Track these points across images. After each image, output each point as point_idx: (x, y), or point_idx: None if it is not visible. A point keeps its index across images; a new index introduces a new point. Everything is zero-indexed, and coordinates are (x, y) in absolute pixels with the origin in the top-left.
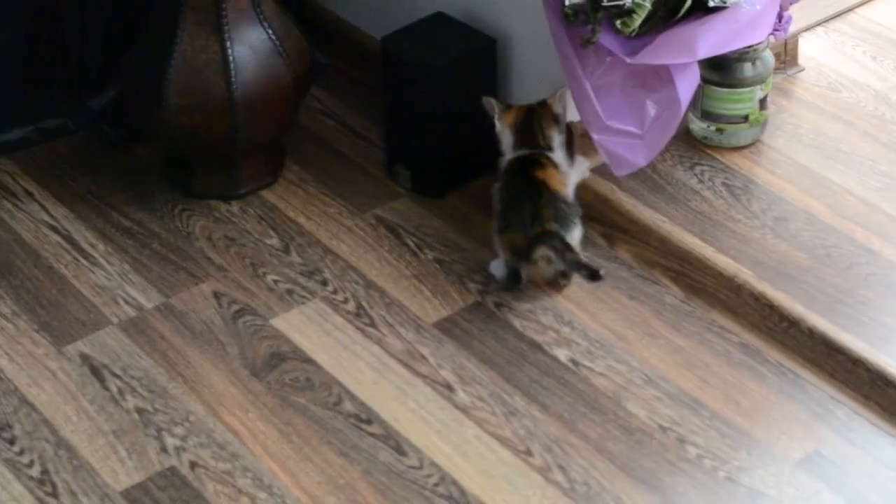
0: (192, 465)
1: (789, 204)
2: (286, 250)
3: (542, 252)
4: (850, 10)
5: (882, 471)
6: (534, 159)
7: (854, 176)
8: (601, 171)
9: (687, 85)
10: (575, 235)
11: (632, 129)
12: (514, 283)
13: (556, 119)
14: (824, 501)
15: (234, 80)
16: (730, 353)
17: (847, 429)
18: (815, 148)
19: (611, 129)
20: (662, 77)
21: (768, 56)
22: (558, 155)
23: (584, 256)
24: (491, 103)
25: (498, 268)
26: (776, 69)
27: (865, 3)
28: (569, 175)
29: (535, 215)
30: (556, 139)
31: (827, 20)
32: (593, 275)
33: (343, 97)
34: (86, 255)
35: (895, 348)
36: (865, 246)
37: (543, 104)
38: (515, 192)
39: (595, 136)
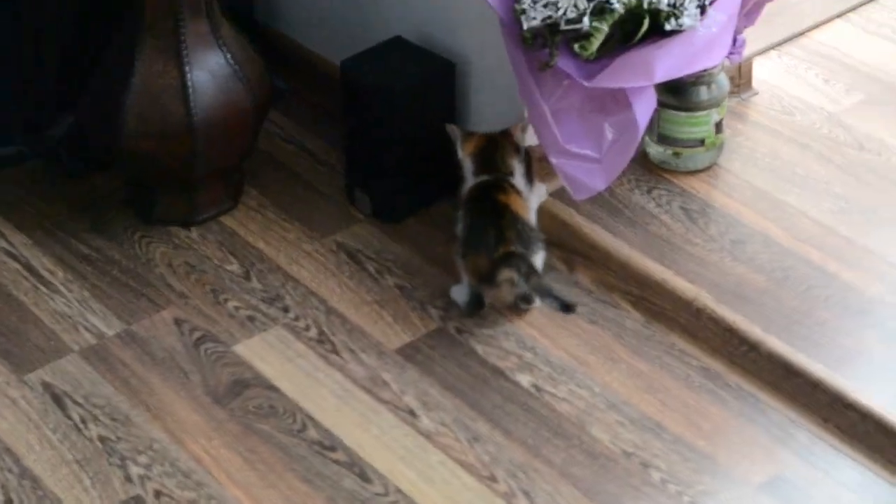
0: (157, 493)
1: (746, 227)
2: (247, 276)
3: (505, 275)
4: (802, 33)
5: (844, 493)
6: (496, 184)
7: (809, 198)
8: (560, 195)
9: (644, 108)
10: (538, 259)
11: (589, 152)
12: (476, 308)
13: (517, 149)
14: None
15: (194, 105)
16: (690, 377)
17: (808, 452)
18: (770, 171)
19: (569, 153)
20: (620, 101)
21: (723, 79)
22: (518, 181)
23: (555, 287)
24: (453, 130)
25: (459, 293)
26: (731, 93)
27: (817, 26)
28: (529, 200)
29: (499, 237)
30: (517, 168)
31: (780, 44)
32: (566, 307)
33: (302, 122)
34: (45, 283)
35: (854, 369)
36: (822, 268)
37: (505, 133)
38: (478, 215)
39: (553, 160)
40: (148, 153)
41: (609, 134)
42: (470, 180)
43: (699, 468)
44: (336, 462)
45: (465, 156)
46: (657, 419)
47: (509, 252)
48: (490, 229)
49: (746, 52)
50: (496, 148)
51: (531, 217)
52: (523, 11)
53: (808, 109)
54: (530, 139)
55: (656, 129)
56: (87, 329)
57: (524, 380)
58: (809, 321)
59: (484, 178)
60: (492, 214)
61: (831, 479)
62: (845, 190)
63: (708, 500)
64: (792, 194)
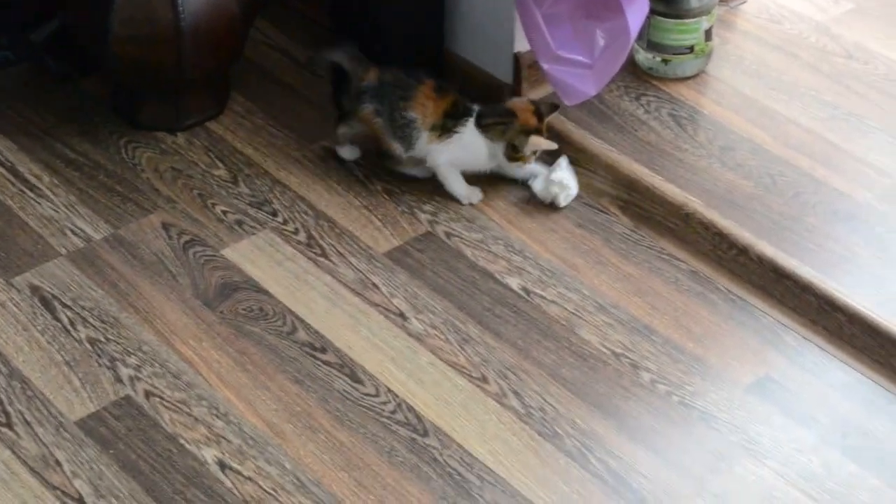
0: (148, 394)
1: (735, 133)
2: (234, 181)
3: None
4: None
5: (831, 393)
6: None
7: (798, 106)
8: (550, 100)
9: (636, 15)
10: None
11: (581, 58)
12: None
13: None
14: (775, 424)
15: (182, 9)
16: (679, 281)
17: (796, 353)
18: (758, 78)
19: (560, 59)
20: (612, 7)
21: None
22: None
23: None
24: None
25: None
26: (720, 1)
27: None
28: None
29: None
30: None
31: None
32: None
33: (289, 30)
34: (31, 187)
35: (842, 274)
36: (810, 174)
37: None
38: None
39: (544, 66)
40: (135, 57)
41: (601, 40)
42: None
43: (689, 369)
44: (327, 364)
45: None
46: (646, 322)
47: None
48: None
49: None
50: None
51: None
52: None
53: (797, 18)
54: (521, 44)
55: (646, 36)
56: (74, 233)
57: (514, 283)
58: (798, 226)
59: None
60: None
61: (819, 380)
62: (833, 97)
63: (697, 401)
64: (780, 102)
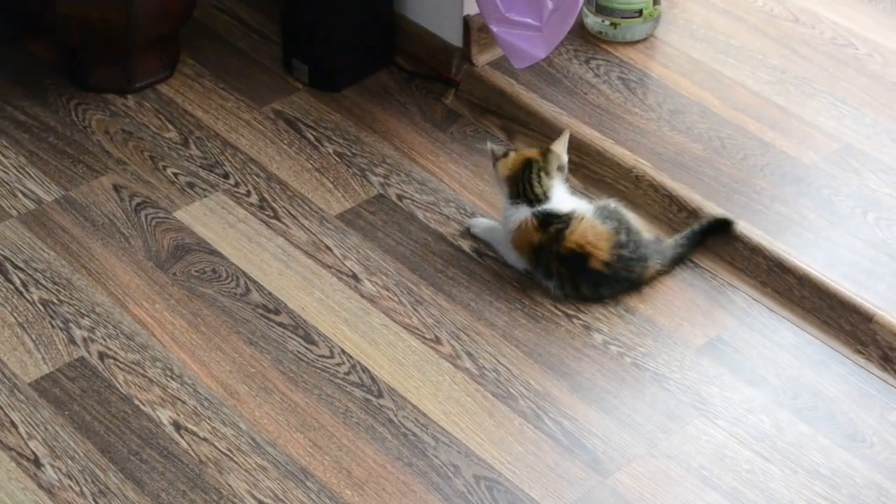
0: (101, 355)
1: (683, 97)
2: (185, 144)
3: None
4: None
5: (781, 354)
6: (575, 250)
7: (745, 69)
8: (499, 64)
9: None
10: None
11: (530, 21)
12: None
13: (560, 169)
14: (726, 384)
15: None
16: None
17: (746, 315)
18: (706, 42)
19: (510, 22)
20: None
21: None
22: (564, 201)
23: None
24: (491, 150)
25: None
26: None
27: None
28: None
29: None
30: (556, 187)
31: None
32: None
33: None
34: None
35: (791, 236)
36: (759, 137)
37: (547, 154)
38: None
39: (494, 29)
40: (84, 19)
41: (549, 3)
42: (507, 206)
43: (640, 331)
44: (280, 325)
45: (499, 179)
46: None
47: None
48: (604, 288)
49: None
50: (533, 171)
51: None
52: None
53: None
54: (471, 7)
55: (595, 0)
56: (24, 195)
57: (466, 244)
58: (747, 189)
59: (519, 203)
60: (593, 281)
61: (768, 341)
62: (780, 61)
63: (649, 362)
64: (728, 65)
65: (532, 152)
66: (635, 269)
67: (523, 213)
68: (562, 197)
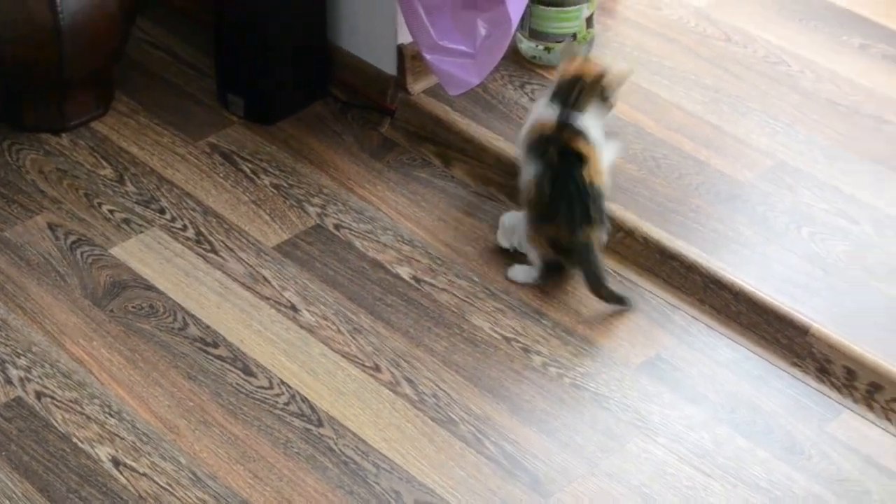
0: (39, 395)
1: (618, 119)
2: (120, 181)
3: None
4: None
5: (720, 371)
6: (572, 135)
7: (679, 90)
8: (434, 91)
9: (517, 4)
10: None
11: (463, 48)
12: (549, 277)
13: (603, 96)
14: (665, 402)
15: (60, 9)
16: None
17: (685, 333)
18: (640, 64)
19: (443, 49)
20: None
21: None
22: (595, 131)
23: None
24: (566, 48)
25: (523, 274)
26: None
27: None
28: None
29: (585, 216)
30: (594, 114)
31: None
32: (621, 301)
33: (172, 29)
34: None
35: (727, 253)
36: (693, 156)
37: (599, 79)
38: (561, 185)
39: (427, 56)
40: (15, 58)
41: (482, 30)
42: (541, 106)
43: (579, 352)
44: (219, 358)
45: (555, 76)
46: (536, 306)
47: (593, 237)
48: (576, 205)
49: None
50: (583, 86)
51: (605, 181)
52: None
53: (676, 4)
54: (404, 36)
55: (528, 25)
56: None
57: (404, 272)
58: (682, 208)
59: (556, 109)
60: (576, 185)
61: (707, 357)
62: (714, 81)
63: (589, 382)
64: (662, 87)
65: (593, 69)
66: (598, 217)
67: (550, 113)
68: (592, 123)
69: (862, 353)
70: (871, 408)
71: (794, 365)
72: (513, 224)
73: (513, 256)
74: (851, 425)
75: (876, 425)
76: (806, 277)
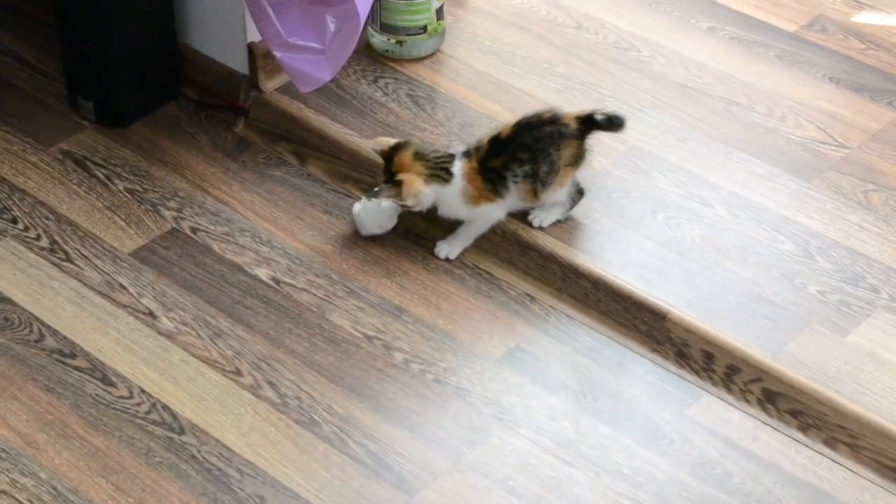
0: None
1: (472, 110)
2: None
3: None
4: None
5: (580, 359)
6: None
7: (532, 79)
8: (288, 89)
9: None
10: None
11: (313, 44)
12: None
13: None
14: (527, 393)
15: None
16: (426, 259)
17: (544, 322)
18: (493, 54)
19: (293, 46)
20: None
21: None
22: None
23: None
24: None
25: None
26: None
27: None
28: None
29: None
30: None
31: None
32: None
33: (15, 32)
34: None
35: (584, 241)
36: None
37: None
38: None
39: (277, 55)
40: None
41: (331, 25)
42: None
43: (441, 346)
44: (77, 369)
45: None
46: (396, 302)
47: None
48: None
49: None
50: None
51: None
52: None
53: None
54: (253, 35)
55: (378, 19)
56: None
57: (262, 273)
58: None
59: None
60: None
61: (567, 346)
62: (567, 69)
63: (451, 376)
64: (515, 76)
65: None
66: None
67: (457, 165)
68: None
69: (718, 336)
70: (729, 390)
71: (654, 350)
72: (370, 209)
73: (380, 245)
74: (711, 408)
75: (735, 407)
76: (662, 262)
